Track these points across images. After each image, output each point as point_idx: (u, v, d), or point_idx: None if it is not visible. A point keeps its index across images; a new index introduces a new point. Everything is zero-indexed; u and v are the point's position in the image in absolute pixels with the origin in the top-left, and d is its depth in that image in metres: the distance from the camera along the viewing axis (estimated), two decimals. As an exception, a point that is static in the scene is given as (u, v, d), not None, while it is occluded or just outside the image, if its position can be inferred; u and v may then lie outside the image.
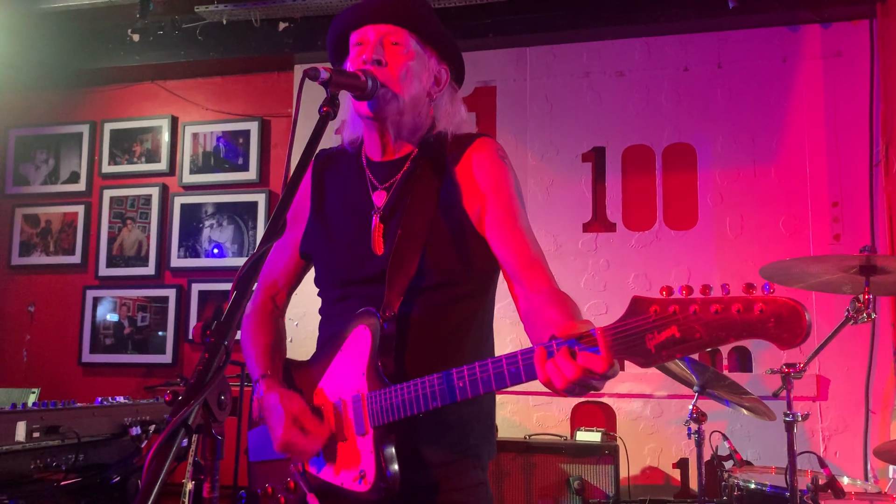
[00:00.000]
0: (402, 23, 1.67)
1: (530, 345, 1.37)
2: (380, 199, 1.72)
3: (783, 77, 4.23)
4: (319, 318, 1.82)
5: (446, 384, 1.38)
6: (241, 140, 4.95)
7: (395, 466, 1.48)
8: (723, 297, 1.04)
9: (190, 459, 3.21)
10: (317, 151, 1.57)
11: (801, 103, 4.19)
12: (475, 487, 1.67)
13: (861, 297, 2.53)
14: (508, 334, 4.09)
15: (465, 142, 1.72)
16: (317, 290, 1.84)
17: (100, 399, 3.30)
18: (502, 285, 1.72)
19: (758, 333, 1.01)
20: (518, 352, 1.28)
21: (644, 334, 1.08)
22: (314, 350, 1.89)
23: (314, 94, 1.44)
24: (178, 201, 4.99)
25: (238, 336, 1.66)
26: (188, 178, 5.01)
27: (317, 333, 1.82)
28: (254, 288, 1.16)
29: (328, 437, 1.57)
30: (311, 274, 1.89)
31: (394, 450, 1.49)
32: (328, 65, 1.62)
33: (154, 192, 5.04)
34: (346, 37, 1.72)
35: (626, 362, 1.13)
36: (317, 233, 1.80)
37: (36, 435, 2.87)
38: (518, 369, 1.28)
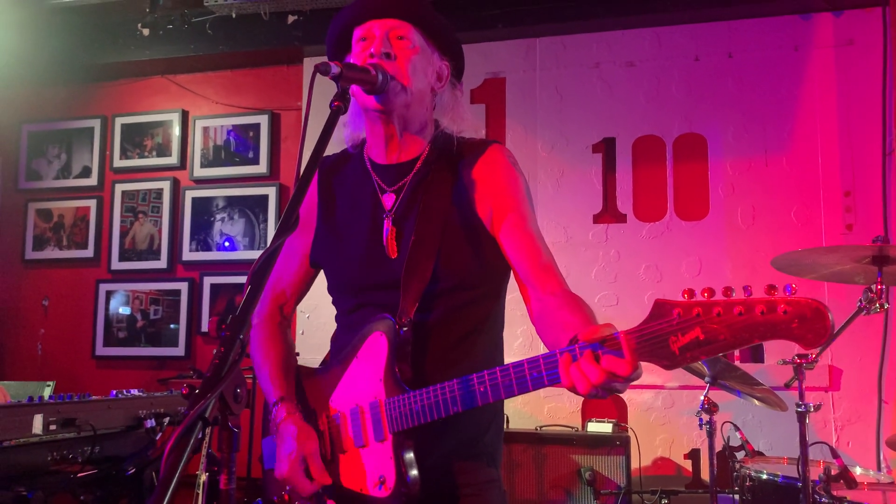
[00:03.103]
0: (407, 17, 1.67)
1: (541, 341, 1.37)
2: (389, 201, 1.72)
3: (795, 66, 4.20)
4: (335, 325, 1.82)
5: (467, 389, 1.38)
6: (251, 133, 4.96)
7: (415, 472, 1.48)
8: (746, 299, 1.04)
9: (204, 451, 3.24)
10: (325, 150, 1.57)
11: (812, 92, 4.16)
12: (488, 484, 1.68)
13: (874, 287, 2.52)
14: (519, 326, 4.10)
15: (478, 148, 1.73)
16: (329, 294, 1.84)
17: (115, 392, 3.33)
18: (511, 277, 1.73)
19: (782, 334, 1.02)
20: (539, 356, 1.28)
21: (668, 337, 1.09)
22: (324, 343, 1.90)
23: (324, 89, 1.45)
24: (190, 195, 5.02)
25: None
26: (199, 172, 5.03)
27: (327, 326, 1.83)
28: (266, 283, 1.16)
29: (320, 488, 1.58)
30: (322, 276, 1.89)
31: (413, 455, 1.49)
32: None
33: (165, 186, 5.06)
34: (348, 33, 1.72)
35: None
36: (327, 240, 1.80)
37: (52, 427, 2.90)
38: (541, 374, 1.27)
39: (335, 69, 1.43)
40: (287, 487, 1.73)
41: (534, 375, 1.28)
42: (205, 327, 4.80)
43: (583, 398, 4.17)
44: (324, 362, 1.83)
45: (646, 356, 1.12)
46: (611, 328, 1.19)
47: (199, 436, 0.97)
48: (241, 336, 1.06)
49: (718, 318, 1.05)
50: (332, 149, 1.67)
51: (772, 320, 1.02)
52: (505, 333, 1.83)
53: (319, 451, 1.59)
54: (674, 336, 1.08)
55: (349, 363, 1.65)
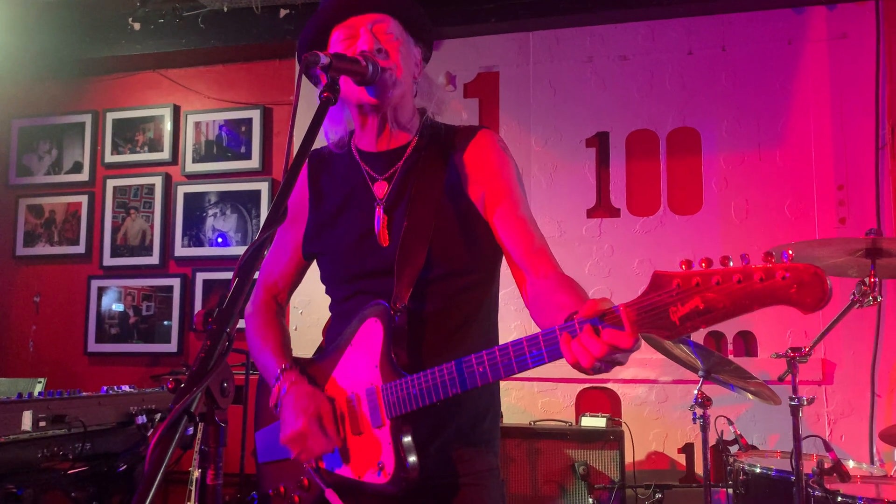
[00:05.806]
0: (387, 10, 1.67)
1: (538, 330, 1.37)
2: (381, 190, 1.72)
3: (788, 60, 4.19)
4: (329, 313, 1.82)
5: (465, 370, 1.38)
6: (243, 128, 4.94)
7: (414, 457, 1.48)
8: (744, 267, 1.05)
9: (196, 447, 3.22)
10: (314, 142, 1.56)
11: (806, 86, 4.16)
12: (488, 472, 1.69)
13: (867, 280, 2.52)
14: (513, 321, 4.09)
15: (468, 133, 1.74)
16: (322, 283, 1.83)
17: (105, 388, 3.31)
18: (506, 273, 1.72)
19: (781, 300, 1.03)
20: (538, 333, 1.28)
21: (668, 307, 1.10)
22: (318, 339, 1.89)
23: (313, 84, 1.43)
24: (182, 190, 4.99)
25: (241, 326, 1.65)
26: (191, 167, 5.00)
27: (321, 321, 1.82)
28: (255, 276, 1.15)
29: (333, 446, 1.57)
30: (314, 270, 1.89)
31: (411, 439, 1.49)
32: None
33: (157, 182, 5.03)
34: (326, 32, 1.70)
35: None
36: (319, 231, 1.80)
37: (43, 424, 2.88)
38: (540, 351, 1.27)
39: (324, 59, 1.42)
40: (281, 482, 1.72)
41: (533, 353, 1.28)
42: (198, 323, 4.79)
43: (569, 383, 4.19)
44: (318, 351, 1.83)
45: (646, 327, 1.13)
46: (608, 302, 1.19)
47: (190, 431, 0.96)
48: (228, 329, 1.04)
49: (717, 286, 1.06)
50: (321, 141, 1.66)
51: (771, 286, 1.03)
52: (499, 329, 1.83)
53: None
54: (674, 306, 1.09)
55: (344, 351, 1.65)
